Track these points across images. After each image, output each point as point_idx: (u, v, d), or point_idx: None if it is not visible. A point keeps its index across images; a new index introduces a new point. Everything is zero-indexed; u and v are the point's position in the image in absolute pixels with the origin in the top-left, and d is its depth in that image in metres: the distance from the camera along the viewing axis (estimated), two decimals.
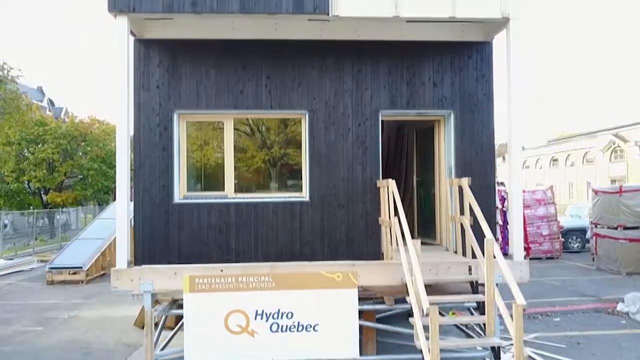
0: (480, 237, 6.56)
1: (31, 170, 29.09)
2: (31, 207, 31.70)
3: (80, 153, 31.59)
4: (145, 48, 7.79)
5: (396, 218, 6.83)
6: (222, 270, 6.85)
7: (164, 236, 7.72)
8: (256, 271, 6.86)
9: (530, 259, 18.46)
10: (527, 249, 18.30)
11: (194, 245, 7.73)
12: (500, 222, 20.19)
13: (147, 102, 7.76)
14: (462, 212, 7.39)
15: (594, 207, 16.18)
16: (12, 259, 19.92)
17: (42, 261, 19.78)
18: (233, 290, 6.69)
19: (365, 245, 7.91)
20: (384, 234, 7.62)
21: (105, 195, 34.91)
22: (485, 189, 8.02)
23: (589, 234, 18.68)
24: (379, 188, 7.84)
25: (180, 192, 7.89)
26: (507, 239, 19.83)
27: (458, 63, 8.10)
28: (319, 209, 7.88)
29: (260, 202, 7.86)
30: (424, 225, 9.44)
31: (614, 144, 47.32)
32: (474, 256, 6.81)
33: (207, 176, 8.35)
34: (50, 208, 31.60)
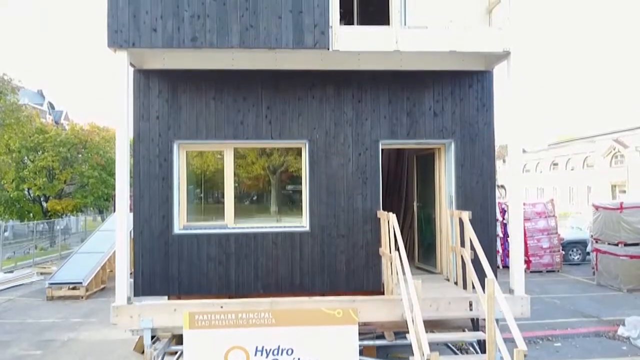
0: (480, 270, 6.52)
1: (31, 178, 29.07)
2: (31, 215, 31.71)
3: (80, 161, 31.53)
4: (145, 78, 7.76)
5: (397, 252, 6.80)
6: (222, 307, 6.82)
7: (164, 267, 7.69)
8: (256, 307, 6.82)
9: (531, 272, 18.48)
10: (527, 262, 18.31)
11: (193, 276, 7.70)
12: (501, 235, 20.22)
13: (146, 132, 7.74)
14: (462, 244, 7.36)
15: (594, 222, 16.15)
16: (11, 272, 19.87)
17: (42, 273, 19.75)
18: (233, 326, 6.66)
19: (365, 276, 7.89)
20: (384, 266, 7.60)
21: (105, 202, 34.88)
22: (486, 220, 7.99)
23: (589, 247, 18.65)
24: (379, 218, 7.82)
25: (180, 222, 7.87)
26: (507, 250, 19.95)
27: (459, 92, 8.07)
28: (319, 239, 7.85)
29: (260, 232, 7.83)
30: (424, 251, 9.41)
31: (614, 149, 47.30)
32: (474, 287, 6.77)
33: (207, 204, 8.32)
34: (50, 215, 31.61)
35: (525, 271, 7.50)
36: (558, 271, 18.53)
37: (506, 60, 7.33)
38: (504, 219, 19.87)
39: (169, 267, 7.69)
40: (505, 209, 19.66)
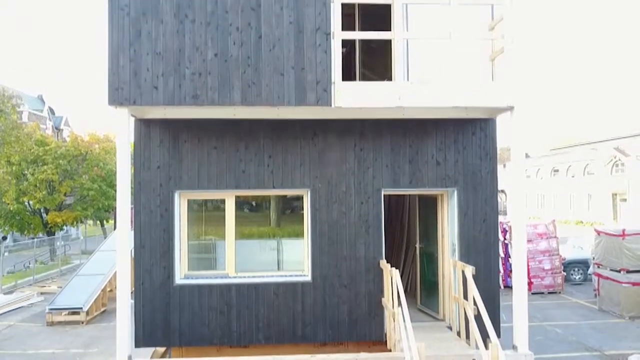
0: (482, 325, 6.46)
1: (31, 191, 29.01)
2: (31, 226, 31.67)
3: (80, 173, 31.47)
4: (146, 128, 7.72)
5: (400, 309, 6.76)
6: None
7: (165, 318, 7.65)
8: None
9: (532, 293, 18.40)
10: (529, 283, 18.25)
11: (195, 327, 7.66)
12: (502, 255, 20.17)
13: (147, 182, 7.70)
14: (465, 296, 7.31)
15: (596, 246, 16.10)
16: (12, 292, 19.82)
17: (42, 293, 19.71)
18: None
19: (368, 326, 7.84)
20: (387, 317, 7.55)
21: (105, 212, 34.84)
22: (489, 269, 7.95)
23: (591, 269, 18.58)
24: (381, 267, 7.77)
25: (181, 272, 7.83)
26: (509, 271, 19.79)
27: (462, 140, 8.03)
28: (321, 289, 7.81)
29: (261, 282, 7.79)
30: (426, 293, 9.34)
31: (614, 158, 47.25)
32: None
33: (207, 252, 8.27)
34: (51, 227, 31.56)
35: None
36: (559, 292, 18.46)
37: (510, 112, 7.28)
38: (505, 238, 19.84)
39: (170, 318, 7.65)
40: (507, 229, 19.63)
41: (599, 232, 16.00)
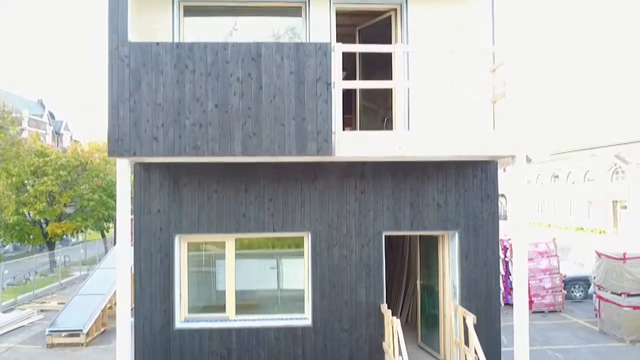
0: None
1: (31, 202, 29.00)
2: (31, 237, 31.65)
3: (80, 183, 31.44)
4: (146, 172, 7.70)
5: (400, 358, 6.74)
6: None
7: None
8: None
9: (533, 312, 18.37)
10: (529, 302, 18.21)
11: None
12: (503, 272, 20.13)
13: (147, 226, 7.67)
14: (466, 342, 7.29)
15: (597, 268, 16.04)
16: (12, 310, 19.78)
17: (42, 310, 19.67)
18: None
19: None
20: None
21: (106, 222, 34.82)
22: (490, 314, 7.93)
23: (592, 289, 18.53)
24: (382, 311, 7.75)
25: (182, 315, 7.81)
26: (510, 288, 19.74)
27: (463, 183, 8.01)
28: (321, 334, 7.78)
29: (261, 326, 7.76)
30: (427, 329, 9.31)
31: (615, 165, 47.22)
32: None
33: (208, 294, 8.24)
34: (51, 238, 31.55)
35: None
36: (560, 311, 18.42)
37: (510, 160, 7.26)
38: (505, 256, 19.81)
39: None
40: (508, 246, 19.60)
41: (599, 254, 15.95)
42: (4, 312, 19.15)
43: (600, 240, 43.90)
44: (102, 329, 17.03)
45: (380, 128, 8.78)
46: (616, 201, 47.17)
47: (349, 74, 10.38)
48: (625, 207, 46.62)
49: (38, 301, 21.51)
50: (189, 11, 8.15)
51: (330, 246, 7.85)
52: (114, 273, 17.08)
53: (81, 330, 15.62)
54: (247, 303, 8.05)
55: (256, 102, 6.67)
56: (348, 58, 9.34)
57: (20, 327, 17.70)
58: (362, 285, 7.86)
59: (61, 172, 29.68)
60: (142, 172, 7.70)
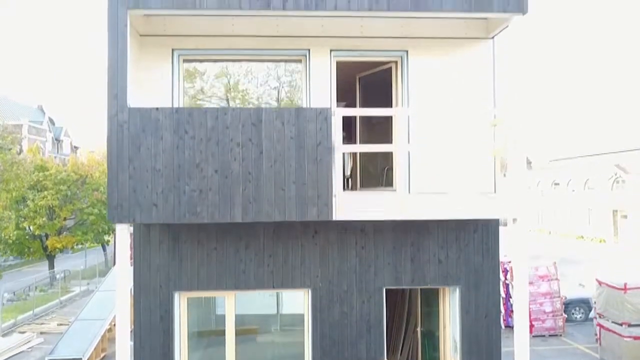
0: None
1: (31, 216, 28.98)
2: (31, 250, 31.65)
3: (80, 197, 31.44)
4: (146, 229, 7.67)
5: None
6: None
7: None
8: None
9: (533, 336, 18.35)
10: (530, 326, 18.20)
11: None
12: (503, 295, 20.11)
13: (147, 284, 7.64)
14: None
15: (598, 295, 16.07)
16: (12, 332, 19.78)
17: (42, 333, 19.67)
18: None
19: None
20: None
21: (106, 235, 34.80)
22: None
23: (592, 313, 18.49)
24: None
25: None
26: (510, 311, 19.74)
27: (463, 237, 7.97)
28: None
29: None
30: None
31: (615, 174, 47.21)
32: None
33: (208, 350, 8.22)
34: (50, 252, 31.54)
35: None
36: (561, 335, 18.43)
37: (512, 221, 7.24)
38: (506, 278, 19.80)
39: None
40: (508, 269, 19.58)
41: (600, 283, 15.95)
42: (3, 335, 19.15)
43: (601, 249, 43.92)
44: (102, 355, 17.06)
45: (380, 175, 8.77)
46: (616, 210, 47.18)
47: (348, 105, 10.40)
48: (625, 217, 46.63)
49: (38, 322, 21.51)
50: (189, 61, 8.13)
51: (331, 303, 7.81)
52: (113, 296, 17.11)
53: (81, 358, 15.63)
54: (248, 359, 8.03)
55: (256, 167, 6.64)
56: (348, 89, 9.36)
57: (20, 352, 17.71)
58: (363, 342, 7.82)
59: (61, 186, 29.68)
60: (142, 228, 7.67)
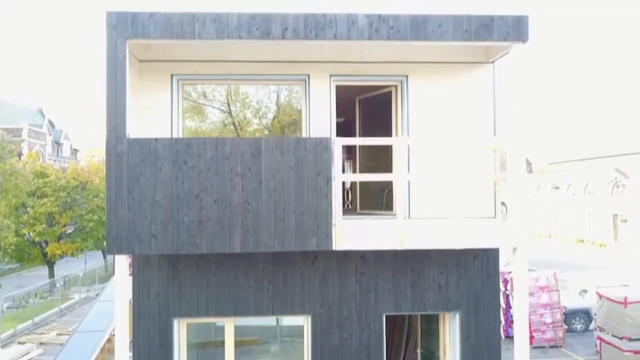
0: None
1: (31, 223, 28.95)
2: (31, 256, 31.63)
3: (80, 203, 31.41)
4: (145, 255, 7.63)
5: None
6: None
7: None
8: None
9: (533, 347, 18.30)
10: (530, 337, 18.15)
11: None
12: (504, 305, 20.07)
13: (146, 311, 7.62)
14: None
15: (599, 309, 16.03)
16: (11, 342, 19.75)
17: (41, 343, 19.63)
18: None
19: None
20: None
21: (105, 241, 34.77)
22: None
23: (593, 324, 18.45)
24: None
25: None
26: (510, 321, 19.71)
27: (464, 263, 7.95)
28: None
29: None
30: None
31: (615, 179, 47.19)
32: None
33: None
34: (50, 258, 31.51)
35: None
36: (561, 346, 18.38)
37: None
38: (506, 289, 19.75)
39: None
40: (508, 279, 19.54)
41: (600, 296, 15.92)
42: (3, 346, 19.10)
43: (601, 253, 43.92)
44: None
45: (380, 197, 8.75)
46: (616, 214, 47.16)
47: (348, 123, 10.40)
48: (625, 221, 46.61)
49: (37, 332, 21.47)
50: (188, 85, 8.11)
51: (331, 329, 7.79)
52: (112, 306, 17.06)
53: None
54: None
55: (256, 197, 6.62)
56: (347, 104, 9.35)
57: None
58: None
59: (61, 193, 29.65)
60: (141, 255, 7.63)
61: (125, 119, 6.52)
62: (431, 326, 8.90)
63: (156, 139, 6.59)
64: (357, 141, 8.15)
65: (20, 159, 37.32)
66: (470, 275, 7.94)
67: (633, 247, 43.05)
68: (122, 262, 6.65)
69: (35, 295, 27.39)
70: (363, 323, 7.83)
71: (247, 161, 6.62)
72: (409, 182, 7.69)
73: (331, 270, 7.82)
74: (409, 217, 7.85)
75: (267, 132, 8.58)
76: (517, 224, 6.82)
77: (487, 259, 7.97)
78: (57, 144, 65.94)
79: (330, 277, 7.81)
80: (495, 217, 7.97)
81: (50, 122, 67.47)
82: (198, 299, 7.67)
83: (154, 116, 7.73)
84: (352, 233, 6.77)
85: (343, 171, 16.32)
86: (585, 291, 21.50)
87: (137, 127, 7.26)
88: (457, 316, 7.95)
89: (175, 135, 7.75)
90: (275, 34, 6.63)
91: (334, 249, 6.70)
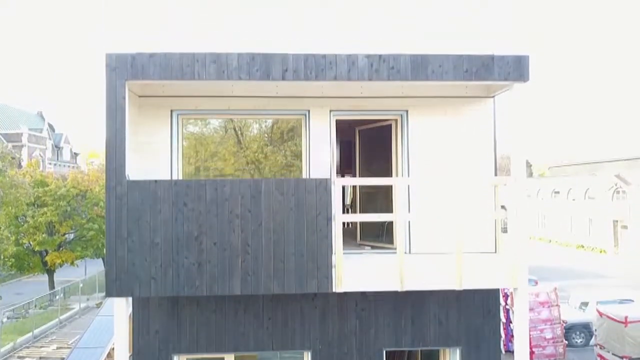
0: None
1: (31, 233, 28.93)
2: (30, 265, 31.60)
3: (80, 211, 31.38)
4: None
5: None
6: None
7: None
8: None
9: None
10: (530, 353, 18.11)
11: None
12: (504, 320, 20.05)
13: (146, 348, 7.59)
14: None
15: (599, 326, 16.01)
16: (11, 356, 19.73)
17: (41, 358, 19.63)
18: None
19: None
20: None
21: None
22: None
23: (593, 340, 18.43)
24: None
25: None
26: (510, 335, 19.68)
27: (464, 298, 7.91)
28: None
29: None
30: None
31: (616, 185, 47.15)
32: None
33: None
34: (50, 267, 31.48)
35: None
36: None
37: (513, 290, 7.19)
38: (506, 304, 19.73)
39: None
40: (508, 293, 19.52)
41: (601, 314, 15.90)
42: None
43: (601, 259, 43.87)
44: None
45: (381, 232, 8.74)
46: (617, 221, 47.11)
47: (347, 156, 10.41)
48: (625, 227, 46.57)
49: (37, 345, 21.46)
50: (189, 123, 8.10)
51: None
52: (112, 321, 17.07)
53: None
54: None
55: (255, 239, 6.60)
56: (347, 130, 9.36)
57: None
58: None
59: (61, 202, 29.63)
60: (141, 298, 7.60)
61: (124, 160, 6.50)
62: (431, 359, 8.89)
63: (156, 181, 6.57)
64: (357, 181, 8.14)
65: (20, 165, 37.33)
66: (471, 310, 7.91)
67: (633, 254, 43.02)
68: (121, 305, 6.64)
69: (35, 306, 27.37)
70: (363, 358, 7.80)
71: (247, 202, 6.60)
72: (409, 226, 7.68)
73: (331, 306, 7.79)
74: (410, 252, 7.85)
75: (266, 136, 8.55)
76: (517, 263, 6.81)
77: (487, 293, 7.94)
78: (57, 148, 65.93)
79: (330, 313, 7.79)
80: (495, 251, 7.96)
81: (50, 126, 67.47)
82: (198, 335, 7.65)
83: (153, 151, 7.73)
84: (352, 274, 6.75)
85: (343, 190, 16.39)
86: (586, 304, 21.45)
87: (137, 163, 7.26)
88: (458, 351, 7.93)
89: (175, 171, 7.75)
90: (275, 75, 6.62)
91: (333, 291, 6.69)
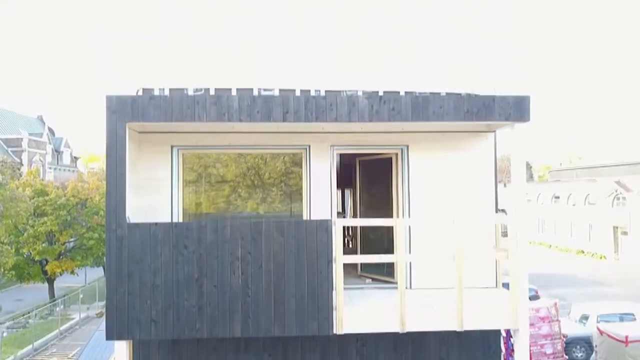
0: None
1: (31, 242, 28.91)
2: (30, 274, 31.58)
3: (80, 220, 31.37)
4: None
5: None
6: None
7: None
8: None
9: None
10: None
11: None
12: (504, 334, 20.01)
13: None
14: None
15: (600, 344, 15.98)
16: None
17: None
18: None
19: None
20: None
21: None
22: None
23: (594, 356, 18.40)
24: None
25: None
26: (511, 350, 19.64)
27: (465, 335, 7.83)
28: None
29: None
30: None
31: (616, 191, 47.13)
32: None
33: None
34: (50, 276, 31.47)
35: None
36: None
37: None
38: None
39: None
40: None
41: (602, 332, 15.88)
42: None
43: (601, 266, 43.83)
44: None
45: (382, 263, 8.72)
46: (617, 227, 47.06)
47: (348, 172, 10.40)
48: (625, 233, 46.53)
49: (37, 358, 21.44)
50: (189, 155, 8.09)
51: None
52: None
53: None
54: None
55: (256, 281, 6.59)
56: (348, 156, 9.35)
57: None
58: None
59: (61, 211, 29.61)
60: (141, 347, 7.58)
61: (125, 202, 6.48)
62: None
63: (156, 224, 6.56)
64: (358, 222, 8.13)
65: (20, 171, 37.30)
66: (472, 347, 7.89)
67: (633, 260, 43.01)
68: (122, 348, 6.63)
69: (36, 316, 27.35)
70: None
71: (247, 244, 6.59)
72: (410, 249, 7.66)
73: (332, 343, 7.76)
74: (410, 287, 7.84)
75: None
76: (518, 304, 6.80)
77: (487, 333, 7.92)
78: (57, 152, 65.91)
79: (330, 349, 7.77)
80: (496, 286, 7.95)
81: (50, 130, 67.45)
82: None
83: (154, 187, 7.71)
84: (352, 316, 6.74)
85: (343, 201, 16.31)
86: (587, 317, 21.41)
87: (138, 198, 7.25)
88: None
89: (176, 207, 7.74)
90: (276, 116, 6.60)
91: (334, 333, 6.66)
